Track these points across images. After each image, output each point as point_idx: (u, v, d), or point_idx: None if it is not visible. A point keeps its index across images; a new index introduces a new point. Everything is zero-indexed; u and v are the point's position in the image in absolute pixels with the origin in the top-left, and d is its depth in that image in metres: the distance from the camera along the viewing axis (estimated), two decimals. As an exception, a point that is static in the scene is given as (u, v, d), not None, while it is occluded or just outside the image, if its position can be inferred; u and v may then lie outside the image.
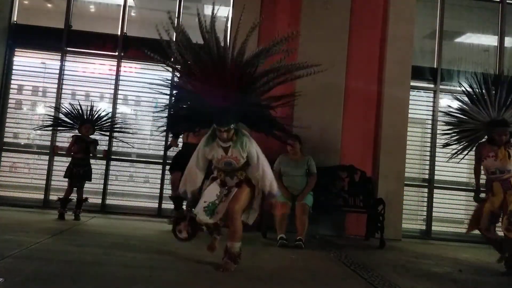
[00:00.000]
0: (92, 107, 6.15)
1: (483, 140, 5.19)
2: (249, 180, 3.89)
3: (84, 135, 6.04)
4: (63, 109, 6.28)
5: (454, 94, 7.23)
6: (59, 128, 6.31)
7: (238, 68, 3.65)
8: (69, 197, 5.98)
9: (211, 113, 3.72)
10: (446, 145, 5.48)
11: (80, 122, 6.07)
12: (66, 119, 6.15)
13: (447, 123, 5.49)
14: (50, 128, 6.37)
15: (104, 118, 6.26)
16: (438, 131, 6.99)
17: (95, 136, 6.21)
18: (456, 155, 5.43)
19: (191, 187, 3.93)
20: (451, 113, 5.45)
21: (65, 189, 6.02)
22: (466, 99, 5.30)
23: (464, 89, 5.34)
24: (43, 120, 6.45)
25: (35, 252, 3.84)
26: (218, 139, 3.78)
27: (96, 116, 6.16)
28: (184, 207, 5.82)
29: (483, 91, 5.12)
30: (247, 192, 3.88)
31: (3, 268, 3.22)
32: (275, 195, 3.97)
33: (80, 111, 6.09)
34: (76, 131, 6.11)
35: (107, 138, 6.68)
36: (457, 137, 5.38)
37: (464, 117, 5.29)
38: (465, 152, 5.39)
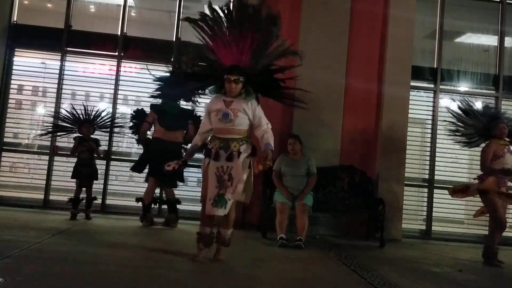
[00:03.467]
0: (85, 107, 6.13)
1: (488, 141, 5.34)
2: (241, 154, 3.84)
3: (86, 135, 6.06)
4: (60, 115, 6.25)
5: (455, 94, 7.31)
6: (59, 133, 6.32)
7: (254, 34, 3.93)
8: (80, 197, 6.01)
9: (223, 67, 3.94)
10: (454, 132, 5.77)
11: (78, 123, 6.10)
12: (65, 124, 6.17)
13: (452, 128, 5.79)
14: (52, 133, 6.38)
15: (102, 116, 6.26)
16: (439, 132, 7.04)
17: (96, 135, 6.23)
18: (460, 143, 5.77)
19: (196, 139, 4.08)
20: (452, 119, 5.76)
21: (74, 190, 6.02)
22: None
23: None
24: (44, 126, 6.42)
25: (35, 252, 3.84)
26: (222, 94, 3.94)
27: (93, 115, 6.16)
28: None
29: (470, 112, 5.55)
30: (242, 175, 3.82)
31: (3, 268, 3.22)
32: (271, 147, 3.89)
33: (76, 113, 6.11)
34: (77, 132, 6.14)
35: (106, 138, 6.69)
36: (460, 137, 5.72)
37: (463, 124, 5.65)
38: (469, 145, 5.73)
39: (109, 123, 6.39)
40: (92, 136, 6.13)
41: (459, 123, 5.68)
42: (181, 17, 6.89)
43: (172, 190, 6.03)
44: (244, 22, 3.93)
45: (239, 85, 3.87)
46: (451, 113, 5.77)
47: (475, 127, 5.50)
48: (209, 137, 4.04)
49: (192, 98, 6.12)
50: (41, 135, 6.41)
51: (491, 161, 5.16)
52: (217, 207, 3.72)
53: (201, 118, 6.01)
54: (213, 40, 4.02)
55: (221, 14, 3.97)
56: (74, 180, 6.04)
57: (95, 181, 6.18)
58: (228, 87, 3.87)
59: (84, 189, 6.05)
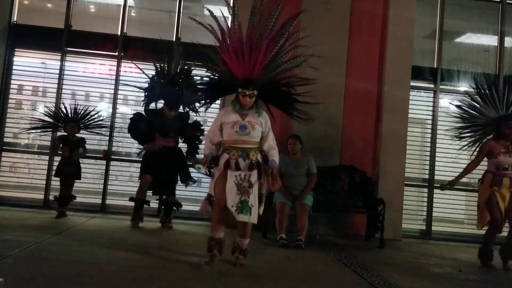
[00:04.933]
0: (76, 106, 6.12)
1: (490, 137, 5.24)
2: (259, 164, 3.95)
3: (69, 135, 6.04)
4: (46, 110, 6.23)
5: (455, 94, 7.30)
6: (44, 129, 6.27)
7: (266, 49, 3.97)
8: (65, 195, 5.99)
9: (237, 81, 4.01)
10: (459, 138, 5.52)
11: (64, 122, 6.08)
12: (49, 119, 6.14)
13: (459, 117, 5.53)
14: (36, 131, 6.28)
15: (89, 116, 6.20)
16: (439, 132, 7.04)
17: (96, 136, 6.21)
18: (465, 148, 5.51)
19: (211, 148, 4.06)
20: (461, 107, 5.51)
21: (59, 189, 6.03)
22: (476, 97, 5.41)
23: (473, 88, 5.47)
24: (30, 123, 6.35)
25: (35, 252, 3.84)
26: (237, 107, 3.98)
27: (81, 114, 6.13)
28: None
29: (493, 91, 5.23)
30: (257, 185, 3.91)
31: (3, 268, 3.22)
32: (276, 164, 3.99)
33: (64, 111, 6.09)
34: (63, 130, 6.12)
35: (107, 138, 6.69)
36: (466, 131, 5.45)
37: (474, 113, 5.38)
38: (473, 145, 5.45)
39: (97, 123, 6.29)
40: (77, 135, 6.09)
41: (474, 108, 5.41)
42: (181, 17, 6.90)
43: (173, 193, 5.94)
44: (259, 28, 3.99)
45: (253, 99, 3.97)
46: (474, 91, 5.50)
47: (487, 117, 5.27)
48: (221, 148, 4.02)
49: (192, 106, 5.99)
50: (27, 130, 6.29)
51: (487, 159, 5.13)
52: (242, 213, 3.72)
53: (201, 124, 6.01)
54: (225, 50, 4.04)
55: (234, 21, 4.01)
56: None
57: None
58: (243, 101, 3.95)
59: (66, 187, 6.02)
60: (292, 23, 4.17)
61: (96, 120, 6.28)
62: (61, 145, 6.05)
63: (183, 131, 5.91)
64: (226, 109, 4.13)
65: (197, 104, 5.71)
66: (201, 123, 6.14)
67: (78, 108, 6.13)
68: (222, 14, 4.19)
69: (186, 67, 6.06)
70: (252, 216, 3.76)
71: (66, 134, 6.08)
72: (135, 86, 6.15)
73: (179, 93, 5.85)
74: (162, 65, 6.00)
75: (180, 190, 6.35)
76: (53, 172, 6.68)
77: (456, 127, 5.54)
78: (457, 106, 5.57)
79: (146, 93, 6.01)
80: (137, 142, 6.08)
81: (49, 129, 6.29)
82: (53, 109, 6.23)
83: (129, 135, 6.13)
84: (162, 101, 5.99)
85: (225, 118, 4.00)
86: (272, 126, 4.18)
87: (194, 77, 5.95)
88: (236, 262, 3.93)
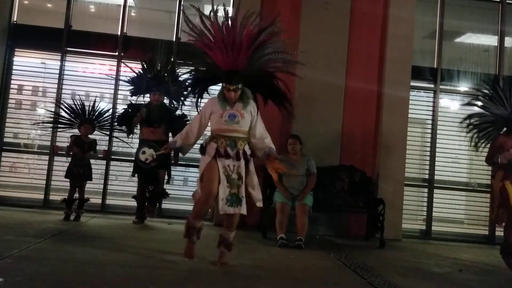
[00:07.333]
0: (94, 105, 6.08)
1: (501, 133, 5.24)
2: (245, 155, 3.89)
3: (83, 135, 6.01)
4: (65, 105, 6.18)
5: (455, 94, 7.30)
6: (58, 126, 6.25)
7: (250, 38, 3.87)
8: (73, 197, 5.96)
9: (221, 73, 3.93)
10: (474, 145, 5.52)
11: (79, 121, 6.04)
12: (66, 115, 6.10)
13: (468, 117, 5.54)
14: (50, 126, 6.24)
15: (104, 116, 6.20)
16: (439, 132, 7.05)
17: (96, 135, 6.20)
18: (475, 144, 5.49)
19: (185, 139, 4.03)
20: (473, 103, 5.57)
21: (68, 190, 6.00)
22: (481, 97, 5.46)
23: (485, 88, 5.47)
24: (44, 117, 6.35)
25: (35, 252, 3.84)
26: (221, 100, 3.89)
27: (97, 114, 6.11)
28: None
29: (499, 91, 5.25)
30: (256, 179, 3.93)
31: (3, 268, 3.22)
32: (274, 151, 4.01)
33: (82, 108, 6.04)
34: (76, 130, 6.09)
35: (107, 138, 6.68)
36: (476, 129, 5.46)
37: (485, 112, 5.39)
38: (483, 142, 5.45)
39: (111, 125, 6.27)
40: (90, 136, 6.07)
41: (486, 106, 5.43)
42: (181, 17, 6.89)
43: (160, 183, 5.96)
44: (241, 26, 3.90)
45: (238, 92, 3.88)
46: (482, 92, 5.51)
47: (498, 115, 5.30)
48: (210, 137, 3.94)
49: (181, 99, 6.04)
50: (41, 123, 6.27)
51: (497, 154, 5.08)
52: (232, 206, 3.75)
53: (186, 119, 5.95)
54: (207, 42, 3.97)
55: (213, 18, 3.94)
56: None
57: (92, 181, 6.13)
58: (228, 96, 3.87)
59: (77, 189, 5.99)
60: (271, 25, 3.94)
61: (111, 121, 6.25)
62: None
63: (170, 123, 5.88)
64: (214, 99, 4.00)
65: (183, 97, 5.86)
66: (187, 117, 6.10)
67: (95, 108, 6.09)
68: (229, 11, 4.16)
69: (171, 63, 6.15)
70: (242, 207, 3.78)
71: (78, 134, 6.03)
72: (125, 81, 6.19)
73: (165, 81, 5.93)
74: (148, 61, 6.07)
75: (180, 191, 6.36)
76: (52, 172, 6.72)
77: (466, 124, 5.53)
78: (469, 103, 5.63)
79: (132, 85, 6.08)
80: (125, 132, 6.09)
81: (64, 126, 6.22)
82: (72, 104, 6.11)
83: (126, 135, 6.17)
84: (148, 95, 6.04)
85: (214, 108, 3.91)
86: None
87: (179, 73, 6.08)
88: (219, 259, 3.86)
